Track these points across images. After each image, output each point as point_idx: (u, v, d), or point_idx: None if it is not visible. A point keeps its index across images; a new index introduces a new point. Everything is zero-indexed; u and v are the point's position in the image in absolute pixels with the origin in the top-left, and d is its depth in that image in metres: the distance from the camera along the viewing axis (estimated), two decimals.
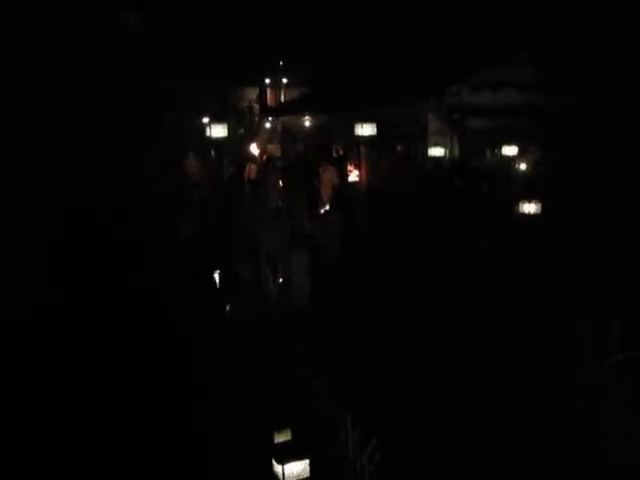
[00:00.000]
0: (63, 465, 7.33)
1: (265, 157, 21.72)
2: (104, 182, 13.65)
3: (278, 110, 27.70)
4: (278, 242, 11.95)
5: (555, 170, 16.89)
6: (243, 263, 11.77)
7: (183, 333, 9.85)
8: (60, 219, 12.22)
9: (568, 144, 16.37)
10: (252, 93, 32.10)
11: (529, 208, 13.19)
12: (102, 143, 14.02)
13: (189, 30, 21.60)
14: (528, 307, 9.88)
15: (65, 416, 7.99)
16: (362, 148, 16.30)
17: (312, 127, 24.06)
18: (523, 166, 17.89)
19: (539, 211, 13.16)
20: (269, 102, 31.87)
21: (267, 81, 32.22)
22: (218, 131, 15.86)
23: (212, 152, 18.69)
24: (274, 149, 23.72)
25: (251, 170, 18.99)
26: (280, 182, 17.16)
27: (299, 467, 6.48)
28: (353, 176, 17.37)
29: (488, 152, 20.04)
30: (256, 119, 29.71)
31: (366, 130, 15.18)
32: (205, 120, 19.92)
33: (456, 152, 20.08)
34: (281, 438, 6.90)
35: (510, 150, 17.50)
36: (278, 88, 32.05)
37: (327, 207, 15.40)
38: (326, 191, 15.89)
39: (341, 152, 20.89)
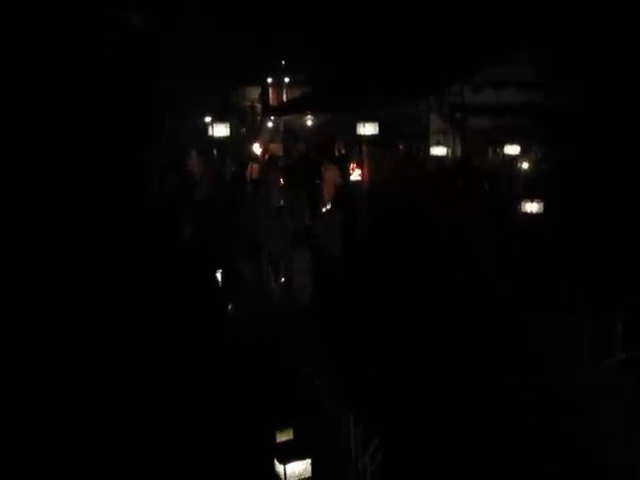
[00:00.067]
0: (63, 464, 7.35)
1: (267, 156, 21.72)
2: (105, 182, 13.67)
3: (280, 109, 27.70)
4: (280, 241, 11.96)
5: (557, 169, 16.89)
6: (245, 262, 11.77)
7: (185, 332, 9.87)
8: (63, 219, 12.24)
9: (569, 143, 16.37)
10: (254, 92, 32.14)
11: (531, 207, 13.17)
12: (103, 143, 14.04)
13: (191, 30, 21.62)
14: (530, 306, 9.89)
15: (66, 415, 8.01)
16: (364, 147, 16.28)
17: (314, 126, 24.05)
18: (525, 165, 17.87)
19: (541, 210, 13.15)
20: (271, 101, 31.89)
21: (269, 80, 32.25)
22: (220, 130, 15.84)
23: (214, 151, 18.69)
24: (276, 148, 23.72)
25: (253, 169, 18.99)
26: (282, 181, 17.16)
27: (301, 467, 6.48)
28: (355, 175, 17.36)
29: (490, 151, 20.04)
30: (258, 118, 29.76)
31: (368, 129, 15.16)
32: (207, 119, 19.92)
33: (458, 151, 20.07)
34: (283, 437, 6.90)
35: (512, 149, 17.48)
36: (280, 87, 32.08)
37: (329, 206, 15.40)
38: (328, 190, 15.88)
39: (343, 151, 20.88)
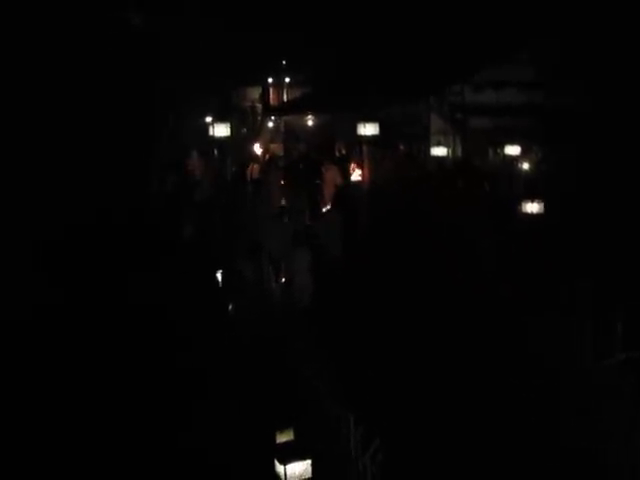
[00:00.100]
0: (63, 465, 7.35)
1: (268, 156, 21.73)
2: (106, 182, 13.67)
3: (281, 109, 27.71)
4: (280, 241, 11.96)
5: (557, 169, 16.88)
6: (246, 262, 11.77)
7: (186, 332, 9.87)
8: (65, 219, 12.25)
9: (570, 143, 16.36)
10: (255, 93, 32.15)
11: (532, 208, 13.17)
12: (105, 143, 14.05)
13: (191, 30, 21.62)
14: (530, 306, 9.88)
15: (67, 415, 8.01)
16: (364, 147, 16.29)
17: (315, 126, 24.06)
18: (526, 165, 17.86)
19: (542, 211, 13.14)
20: (272, 102, 31.89)
21: (270, 81, 32.24)
22: (221, 130, 15.85)
23: (215, 151, 18.70)
24: (277, 148, 23.74)
25: (254, 169, 19.00)
26: (282, 181, 17.17)
27: (301, 467, 6.48)
28: (356, 175, 17.36)
29: (491, 151, 20.03)
30: (259, 118, 29.78)
31: (368, 129, 15.16)
32: (208, 119, 19.92)
33: (458, 151, 20.05)
34: (283, 438, 6.90)
35: (513, 149, 17.47)
36: (281, 88, 32.08)
37: (329, 206, 15.40)
38: (329, 190, 15.89)
39: (344, 151, 20.88)
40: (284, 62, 31.21)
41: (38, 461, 7.41)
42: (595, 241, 11.56)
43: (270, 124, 26.38)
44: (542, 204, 13.16)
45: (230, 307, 11.33)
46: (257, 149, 22.10)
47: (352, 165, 17.91)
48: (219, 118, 16.91)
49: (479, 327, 9.96)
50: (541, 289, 10.23)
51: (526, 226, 13.08)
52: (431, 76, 19.26)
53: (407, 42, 20.53)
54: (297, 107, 25.06)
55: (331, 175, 16.40)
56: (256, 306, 11.10)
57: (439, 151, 18.33)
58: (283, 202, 15.48)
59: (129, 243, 12.49)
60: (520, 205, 13.34)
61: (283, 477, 6.47)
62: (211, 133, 16.00)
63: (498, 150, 19.19)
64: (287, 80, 31.68)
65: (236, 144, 20.67)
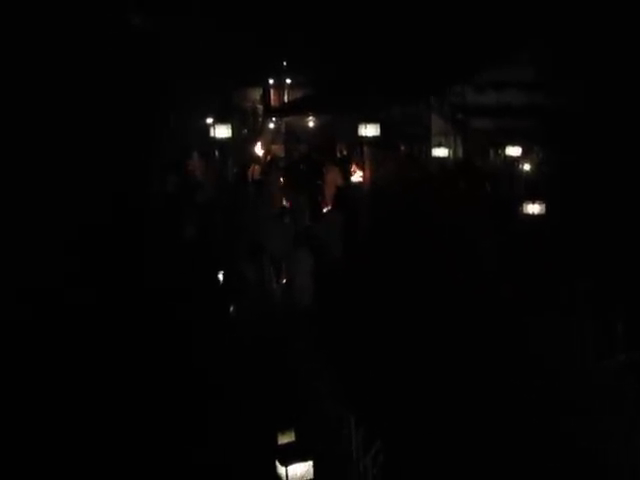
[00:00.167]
0: (67, 463, 7.36)
1: (269, 157, 21.74)
2: (107, 182, 13.69)
3: (282, 111, 27.70)
4: (282, 242, 11.96)
5: (559, 170, 16.88)
6: (247, 263, 11.78)
7: (186, 333, 9.87)
8: (67, 220, 12.26)
9: (571, 144, 16.35)
10: (256, 94, 32.12)
11: (533, 208, 13.18)
12: (108, 143, 14.06)
13: (192, 30, 21.63)
14: (531, 307, 9.89)
15: (67, 416, 8.02)
16: (366, 148, 16.31)
17: (316, 127, 24.08)
18: (527, 166, 17.87)
19: (543, 211, 13.15)
20: (273, 103, 31.87)
21: (271, 82, 32.22)
22: (222, 131, 15.87)
23: (216, 152, 18.70)
24: (278, 149, 23.73)
25: (255, 170, 19.01)
26: (282, 181, 17.18)
27: (303, 468, 6.47)
28: (357, 176, 17.38)
29: (492, 152, 20.03)
30: (260, 119, 29.75)
31: (370, 130, 15.19)
32: (209, 120, 19.94)
33: (460, 152, 20.06)
34: (285, 439, 6.90)
35: (514, 150, 17.47)
36: (282, 89, 32.07)
37: (330, 207, 15.41)
38: (330, 191, 15.90)
39: (345, 152, 20.91)
40: (285, 63, 31.21)
41: (38, 459, 7.44)
42: (596, 242, 11.56)
43: (271, 125, 26.38)
44: (543, 205, 13.17)
45: (231, 308, 11.32)
46: (258, 150, 22.10)
47: (353, 166, 17.93)
48: (220, 119, 16.92)
49: (480, 327, 9.96)
50: (542, 290, 10.23)
51: (527, 227, 13.09)
52: (432, 77, 19.26)
53: (408, 43, 20.52)
54: (298, 108, 25.06)
55: (332, 176, 16.41)
56: (257, 307, 11.10)
57: (440, 152, 18.34)
58: (284, 203, 15.48)
59: (130, 244, 12.51)
60: (521, 206, 13.36)
61: (284, 478, 6.47)
62: (212, 134, 16.02)
63: (499, 151, 19.20)
64: (288, 81, 31.68)
65: (237, 145, 20.67)
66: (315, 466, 6.51)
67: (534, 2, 18.56)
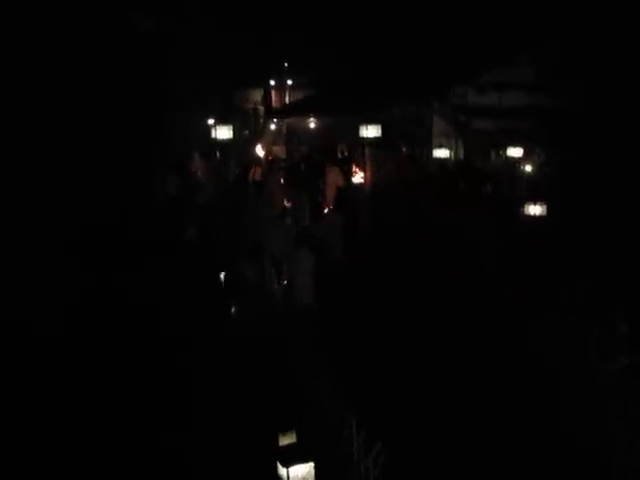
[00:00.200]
0: (65, 463, 7.36)
1: (270, 158, 21.74)
2: (112, 183, 13.70)
3: (283, 112, 27.69)
4: (283, 243, 11.96)
5: (560, 171, 16.87)
6: (248, 264, 11.78)
7: (188, 334, 9.87)
8: (70, 220, 12.27)
9: (573, 145, 16.34)
10: (257, 95, 32.11)
11: (534, 210, 13.17)
12: (111, 144, 14.08)
13: (194, 32, 21.64)
14: (533, 308, 9.87)
15: (67, 416, 8.01)
16: (367, 149, 16.30)
17: (317, 129, 24.06)
18: (528, 168, 17.86)
19: (544, 213, 13.14)
20: (274, 104, 31.87)
21: (272, 83, 32.23)
22: (223, 133, 15.87)
23: (217, 153, 18.71)
24: (279, 151, 23.73)
25: (256, 171, 19.00)
26: (283, 182, 17.18)
27: (304, 470, 6.45)
28: (358, 177, 17.37)
29: (493, 153, 20.02)
30: (261, 121, 29.73)
31: (371, 131, 15.19)
32: (210, 122, 19.94)
33: (461, 153, 20.05)
34: (286, 440, 6.88)
35: (515, 151, 17.46)
36: (283, 90, 32.07)
37: (330, 208, 15.43)
38: (331, 192, 15.90)
39: (346, 153, 20.90)
40: (286, 64, 31.22)
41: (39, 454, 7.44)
42: (598, 243, 11.54)
43: (272, 126, 26.37)
44: (545, 206, 13.16)
45: (232, 309, 11.32)
46: (259, 151, 22.10)
47: (354, 167, 17.92)
48: (221, 120, 16.92)
49: (481, 329, 9.95)
50: (543, 291, 10.21)
51: (528, 228, 13.07)
52: (434, 78, 19.26)
53: (410, 44, 20.52)
54: (299, 109, 25.06)
55: (333, 177, 16.41)
56: (258, 308, 11.10)
57: (441, 153, 18.35)
58: (286, 204, 15.48)
59: (131, 244, 12.51)
60: (522, 207, 13.35)
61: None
62: (213, 135, 16.02)
63: (500, 152, 19.18)
64: (289, 82, 31.68)
65: (238, 146, 20.67)
66: (316, 467, 6.49)
67: (535, 3, 18.56)
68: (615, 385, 7.84)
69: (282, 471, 6.43)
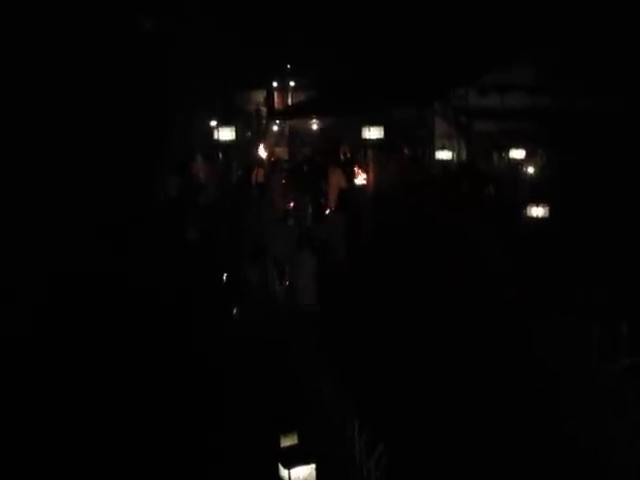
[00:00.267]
0: (66, 462, 7.37)
1: (272, 160, 21.74)
2: (114, 184, 13.72)
3: (285, 113, 27.68)
4: (285, 245, 11.97)
5: (562, 173, 16.85)
6: (250, 265, 11.79)
7: (189, 335, 9.88)
8: (72, 220, 12.29)
9: (575, 147, 16.33)
10: (259, 96, 32.10)
11: (536, 211, 13.17)
12: (114, 145, 14.11)
13: (197, 33, 21.66)
14: (535, 309, 9.87)
15: (67, 416, 8.03)
16: (369, 151, 16.31)
17: (319, 130, 24.04)
18: (530, 169, 17.85)
19: (547, 214, 13.14)
20: (276, 105, 31.85)
21: (274, 84, 32.22)
22: (226, 134, 15.88)
23: (220, 155, 18.71)
24: (282, 152, 23.74)
25: (259, 173, 19.01)
26: (285, 183, 17.18)
27: (305, 471, 6.45)
28: (360, 179, 17.37)
29: (495, 155, 19.99)
30: (263, 122, 29.73)
31: (373, 133, 15.21)
32: (213, 123, 19.96)
33: (463, 155, 20.03)
34: (287, 442, 6.88)
35: (517, 153, 17.46)
36: (285, 91, 32.04)
37: (333, 209, 15.43)
38: (333, 194, 15.90)
39: (348, 155, 20.88)
40: (289, 66, 31.22)
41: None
42: (600, 245, 11.53)
43: (275, 128, 26.38)
44: (547, 208, 13.15)
45: (235, 310, 11.33)
46: (262, 153, 22.11)
47: (357, 168, 17.92)
48: (224, 122, 16.94)
49: (483, 330, 9.95)
50: (545, 292, 10.21)
51: (531, 230, 13.07)
52: (436, 80, 19.25)
53: (412, 46, 20.52)
54: (302, 111, 25.06)
55: (336, 178, 16.40)
56: (260, 309, 11.10)
57: (444, 155, 18.33)
58: (289, 204, 15.48)
59: (132, 245, 12.53)
60: (525, 208, 13.34)
61: None
62: (216, 136, 16.03)
63: (503, 154, 19.15)
64: (292, 84, 31.68)
65: (241, 148, 20.69)
66: (318, 469, 6.49)
67: (536, 5, 18.55)
68: (615, 385, 7.85)
69: (284, 473, 6.43)
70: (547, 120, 17.67)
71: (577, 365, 8.51)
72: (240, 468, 7.18)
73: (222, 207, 15.34)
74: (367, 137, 15.32)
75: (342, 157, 20.97)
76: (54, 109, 12.62)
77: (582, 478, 7.36)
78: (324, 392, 7.79)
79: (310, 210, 15.32)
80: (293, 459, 6.50)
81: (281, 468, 6.47)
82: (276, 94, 32.32)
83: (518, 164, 17.76)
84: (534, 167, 17.91)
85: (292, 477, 6.42)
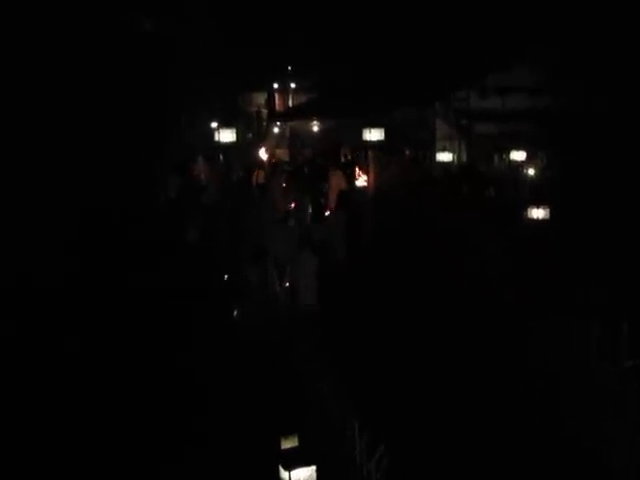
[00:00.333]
0: (65, 461, 7.37)
1: (273, 161, 21.76)
2: (114, 183, 13.73)
3: (286, 115, 27.73)
4: (286, 245, 11.97)
5: (563, 175, 16.86)
6: (251, 266, 11.79)
7: (190, 336, 9.87)
8: (74, 220, 12.30)
9: (575, 148, 16.33)
10: (260, 98, 32.17)
11: (537, 213, 13.16)
12: (115, 145, 14.12)
13: (196, 34, 21.68)
14: (536, 311, 9.87)
15: (67, 416, 8.02)
16: (370, 153, 16.32)
17: (320, 132, 24.06)
18: (531, 171, 17.86)
19: (547, 216, 13.13)
20: (277, 107, 31.90)
21: (275, 86, 32.26)
22: (226, 136, 15.87)
23: (220, 156, 18.72)
24: (282, 154, 23.76)
25: (259, 174, 19.02)
26: (285, 184, 17.19)
27: (306, 473, 6.44)
28: (361, 181, 17.38)
29: (496, 157, 20.01)
30: (264, 124, 29.77)
31: (374, 135, 15.21)
32: (214, 125, 19.97)
33: (464, 157, 20.04)
34: (288, 444, 6.87)
35: (518, 155, 17.47)
36: (286, 93, 32.09)
37: (332, 210, 15.45)
38: (334, 195, 15.91)
39: (349, 157, 20.90)
40: (290, 67, 31.25)
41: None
42: (601, 246, 11.53)
43: (276, 129, 26.40)
44: (547, 210, 13.15)
45: (235, 311, 11.33)
46: (263, 154, 22.12)
47: (357, 170, 17.93)
48: (225, 123, 16.94)
49: (484, 331, 9.95)
50: (546, 294, 10.21)
51: (531, 231, 13.07)
52: (436, 82, 19.26)
53: (413, 48, 20.54)
54: (303, 112, 25.08)
55: (336, 180, 16.42)
56: (261, 310, 11.10)
57: (444, 156, 18.33)
58: (290, 206, 15.49)
59: (132, 245, 12.53)
60: (525, 210, 13.34)
61: None
62: (217, 138, 16.03)
63: (503, 155, 19.17)
64: (293, 85, 31.72)
65: (242, 149, 20.70)
66: (318, 471, 6.48)
67: (536, 7, 18.56)
68: (615, 385, 7.84)
69: (284, 475, 6.42)
70: (548, 122, 17.67)
71: (577, 365, 8.50)
72: (241, 470, 7.17)
73: (223, 208, 15.33)
74: (368, 139, 15.32)
75: (343, 159, 21.00)
76: (54, 109, 12.62)
77: (582, 478, 7.36)
78: (325, 392, 7.78)
79: (310, 211, 15.32)
80: (294, 461, 6.49)
81: (281, 470, 6.46)
82: (277, 96, 32.38)
83: (519, 166, 17.77)
84: (535, 169, 17.93)
85: (292, 479, 6.41)
